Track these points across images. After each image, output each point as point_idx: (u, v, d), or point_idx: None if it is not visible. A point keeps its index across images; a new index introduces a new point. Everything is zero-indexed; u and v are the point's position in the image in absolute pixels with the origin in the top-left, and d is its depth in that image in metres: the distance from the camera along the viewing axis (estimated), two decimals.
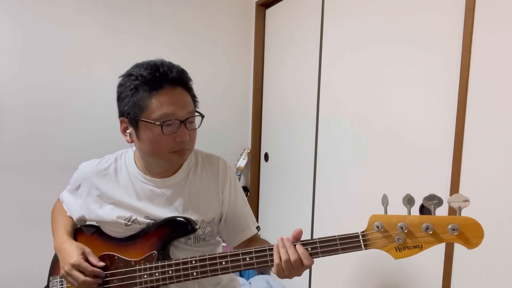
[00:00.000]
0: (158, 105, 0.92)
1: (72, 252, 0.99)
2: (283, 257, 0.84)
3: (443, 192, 1.31)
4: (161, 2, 2.25)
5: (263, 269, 2.39)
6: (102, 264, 1.00)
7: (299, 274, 0.86)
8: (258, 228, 1.14)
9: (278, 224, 2.41)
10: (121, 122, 1.00)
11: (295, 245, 0.85)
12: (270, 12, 2.50)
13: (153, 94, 0.92)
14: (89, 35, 2.05)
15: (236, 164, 2.55)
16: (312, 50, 1.99)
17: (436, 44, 1.34)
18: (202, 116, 1.01)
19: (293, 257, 0.83)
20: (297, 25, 2.17)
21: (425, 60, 1.38)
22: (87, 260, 0.99)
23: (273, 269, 0.87)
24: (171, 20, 2.29)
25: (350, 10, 1.74)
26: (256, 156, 2.63)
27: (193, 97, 1.01)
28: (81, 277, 0.96)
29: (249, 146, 2.66)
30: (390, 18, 1.52)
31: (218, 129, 2.51)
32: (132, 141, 1.00)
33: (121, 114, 0.98)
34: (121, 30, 2.14)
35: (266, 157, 2.56)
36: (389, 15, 1.52)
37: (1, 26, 1.85)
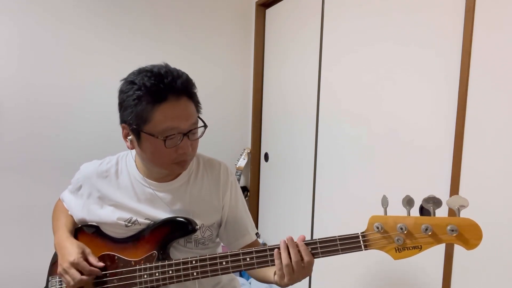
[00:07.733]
0: (162, 118, 0.89)
1: (72, 250, 0.99)
2: (294, 258, 0.83)
3: (443, 191, 1.31)
4: (162, 2, 2.25)
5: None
6: (101, 264, 1.00)
7: (304, 276, 0.86)
8: (257, 234, 1.14)
9: (278, 224, 2.41)
10: (123, 128, 0.98)
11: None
12: (270, 12, 2.50)
13: (157, 106, 0.88)
14: (90, 34, 2.05)
15: (236, 164, 2.55)
16: (312, 50, 1.99)
17: (436, 44, 1.34)
18: (205, 126, 0.98)
19: (295, 258, 0.84)
20: (297, 25, 2.17)
21: (425, 60, 1.38)
22: (86, 260, 0.99)
23: (276, 276, 0.86)
24: (171, 20, 2.29)
25: (350, 10, 1.74)
26: (256, 156, 2.63)
27: (197, 103, 0.98)
28: (78, 275, 0.96)
29: (249, 146, 2.66)
30: (390, 18, 1.52)
31: (218, 129, 2.51)
32: (133, 148, 0.99)
33: (123, 121, 0.96)
34: (120, 29, 2.14)
35: (266, 157, 2.56)
36: (389, 15, 1.52)
37: (1, 25, 1.85)
